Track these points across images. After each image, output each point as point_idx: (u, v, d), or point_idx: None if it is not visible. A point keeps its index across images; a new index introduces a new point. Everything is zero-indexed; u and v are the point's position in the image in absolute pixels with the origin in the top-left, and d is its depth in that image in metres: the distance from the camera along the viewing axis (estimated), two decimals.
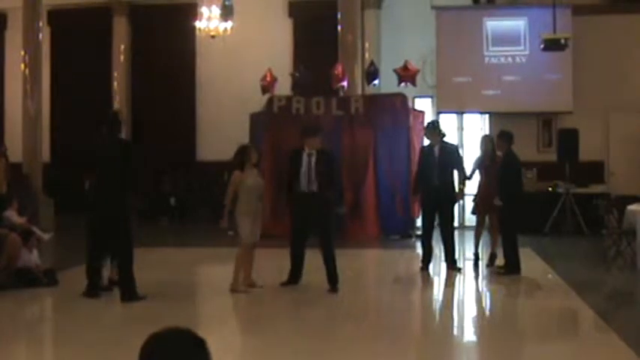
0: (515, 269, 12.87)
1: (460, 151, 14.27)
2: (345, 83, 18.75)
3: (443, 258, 13.60)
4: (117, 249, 10.99)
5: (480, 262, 13.94)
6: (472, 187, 14.84)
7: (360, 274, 13.83)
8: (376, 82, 19.20)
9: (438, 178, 13.24)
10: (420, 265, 13.54)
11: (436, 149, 13.39)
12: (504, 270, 13.02)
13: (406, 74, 18.62)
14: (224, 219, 11.40)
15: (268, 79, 18.98)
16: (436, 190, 13.23)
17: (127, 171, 10.83)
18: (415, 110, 19.45)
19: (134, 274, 10.76)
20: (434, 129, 13.78)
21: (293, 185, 11.61)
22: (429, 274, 13.45)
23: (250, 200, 11.33)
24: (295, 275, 11.74)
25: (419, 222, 17.75)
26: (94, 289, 10.95)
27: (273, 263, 13.23)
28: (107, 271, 11.64)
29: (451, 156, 13.56)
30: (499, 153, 13.52)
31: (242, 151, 11.57)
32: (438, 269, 13.80)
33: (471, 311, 11.26)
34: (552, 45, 16.39)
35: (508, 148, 13.20)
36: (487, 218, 14.10)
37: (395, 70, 18.71)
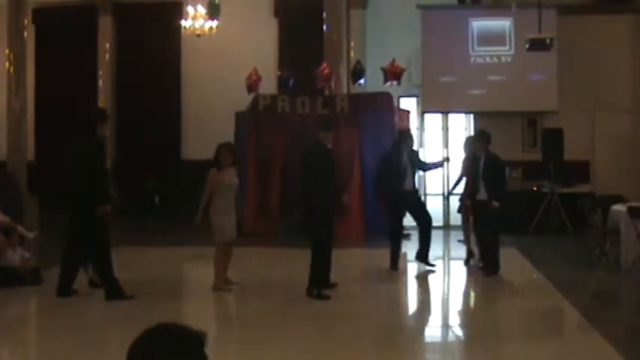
0: (495, 269, 12.91)
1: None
2: (332, 82, 18.74)
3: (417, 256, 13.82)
4: (88, 249, 11.00)
5: (472, 260, 14.13)
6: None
7: (344, 274, 13.82)
8: (362, 81, 19.20)
9: (409, 182, 13.52)
10: (389, 265, 13.64)
11: (405, 154, 13.59)
12: (485, 271, 13.08)
13: (392, 72, 18.62)
14: (198, 215, 11.57)
15: (254, 78, 18.97)
16: (409, 194, 13.49)
17: (93, 170, 10.88)
18: (400, 110, 19.47)
19: (113, 272, 10.75)
20: (409, 135, 14.07)
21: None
22: (423, 271, 13.52)
23: (225, 199, 11.45)
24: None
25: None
26: (63, 289, 10.92)
27: (257, 262, 13.22)
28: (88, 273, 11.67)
29: (417, 160, 13.95)
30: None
31: (217, 151, 11.65)
32: (420, 268, 13.84)
33: (455, 311, 11.28)
34: (537, 45, 16.38)
35: (487, 149, 13.30)
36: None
37: (383, 69, 18.71)
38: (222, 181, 11.43)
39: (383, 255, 13.65)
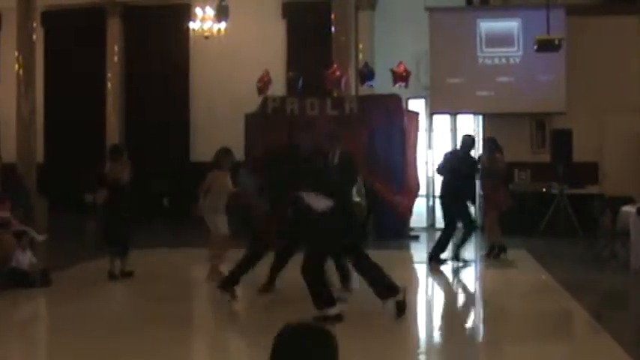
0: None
1: None
2: (342, 84, 18.73)
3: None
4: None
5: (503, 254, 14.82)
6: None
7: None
8: (372, 83, 19.17)
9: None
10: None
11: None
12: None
13: (399, 75, 18.60)
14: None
15: (265, 80, 18.95)
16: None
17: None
18: (409, 111, 19.45)
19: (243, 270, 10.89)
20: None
21: None
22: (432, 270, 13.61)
23: (219, 199, 12.26)
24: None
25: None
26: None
27: None
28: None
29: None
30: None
31: (217, 154, 12.48)
32: (431, 268, 13.88)
33: (464, 312, 11.27)
34: (546, 46, 16.36)
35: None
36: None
37: (392, 70, 18.69)
38: (216, 181, 12.27)
39: (394, 256, 13.68)
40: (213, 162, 12.45)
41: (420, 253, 16.05)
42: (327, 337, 2.91)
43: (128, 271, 12.81)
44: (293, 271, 12.12)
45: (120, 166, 12.91)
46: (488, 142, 15.63)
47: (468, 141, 14.90)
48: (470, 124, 20.92)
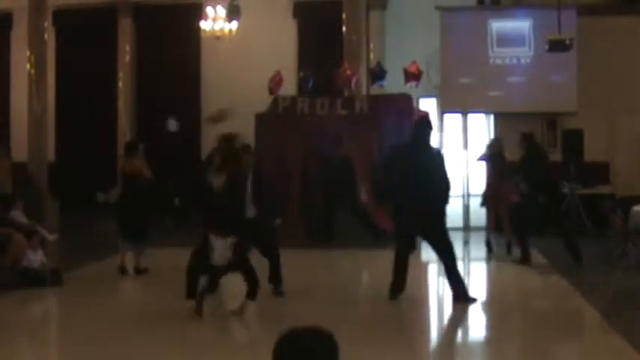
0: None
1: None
2: (353, 83, 18.71)
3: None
4: None
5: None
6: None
7: (373, 275, 13.82)
8: (382, 82, 19.15)
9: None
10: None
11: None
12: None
13: (412, 74, 18.58)
14: None
15: (276, 79, 18.93)
16: None
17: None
18: (420, 111, 19.43)
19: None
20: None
21: None
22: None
23: None
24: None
25: None
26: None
27: None
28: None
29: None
30: None
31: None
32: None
33: (473, 311, 11.26)
34: (557, 46, 16.36)
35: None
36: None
37: (405, 69, 18.66)
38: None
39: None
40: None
41: (430, 253, 15.99)
42: (328, 339, 2.94)
43: (144, 268, 12.89)
44: (309, 271, 12.20)
45: (138, 161, 13.10)
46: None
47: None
48: (481, 124, 20.90)
